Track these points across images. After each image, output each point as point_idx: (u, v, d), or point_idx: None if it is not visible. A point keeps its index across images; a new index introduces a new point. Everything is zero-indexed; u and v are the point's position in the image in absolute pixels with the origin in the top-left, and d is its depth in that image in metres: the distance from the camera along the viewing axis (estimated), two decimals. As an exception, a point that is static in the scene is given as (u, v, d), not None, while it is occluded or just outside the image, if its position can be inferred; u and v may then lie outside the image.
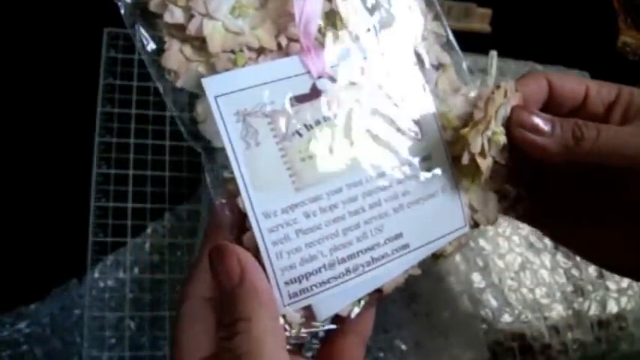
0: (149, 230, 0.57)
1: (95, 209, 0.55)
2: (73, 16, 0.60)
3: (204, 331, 0.30)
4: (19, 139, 0.57)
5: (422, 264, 0.34)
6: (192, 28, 0.30)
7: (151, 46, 0.30)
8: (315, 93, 0.31)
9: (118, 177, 0.57)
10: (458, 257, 0.60)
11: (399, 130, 0.33)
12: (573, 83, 0.37)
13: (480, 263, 0.60)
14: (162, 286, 0.55)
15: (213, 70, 0.30)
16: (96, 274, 0.54)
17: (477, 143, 0.32)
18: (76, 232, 0.54)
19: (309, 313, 0.31)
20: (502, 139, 0.33)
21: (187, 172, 0.59)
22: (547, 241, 0.63)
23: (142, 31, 0.30)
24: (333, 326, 0.32)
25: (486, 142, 0.32)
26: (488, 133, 0.33)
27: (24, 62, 0.59)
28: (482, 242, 0.61)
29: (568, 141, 0.33)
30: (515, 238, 0.62)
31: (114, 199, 0.56)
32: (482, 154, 0.32)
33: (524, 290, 0.60)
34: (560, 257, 0.63)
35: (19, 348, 0.51)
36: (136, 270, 0.55)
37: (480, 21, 0.71)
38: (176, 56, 0.30)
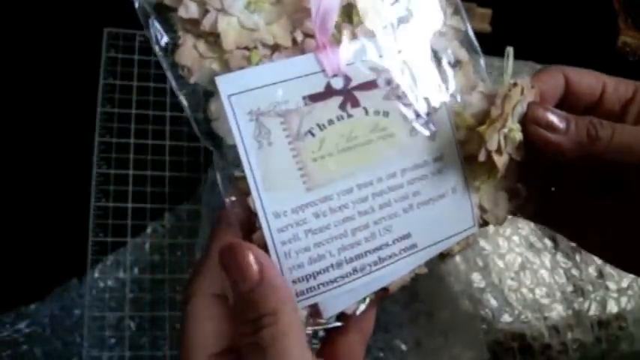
0: (149, 230, 0.56)
1: (95, 209, 0.55)
2: (73, 16, 0.60)
3: (214, 327, 0.29)
4: (19, 139, 0.56)
5: (428, 263, 0.34)
6: (206, 24, 0.29)
7: (165, 41, 0.30)
8: (329, 92, 0.31)
9: (118, 177, 0.56)
10: (458, 257, 0.60)
11: (412, 129, 0.33)
12: (591, 79, 0.36)
13: (480, 263, 0.60)
14: (163, 286, 0.55)
15: (226, 67, 0.29)
16: (96, 274, 0.54)
17: (493, 140, 0.32)
18: (76, 232, 0.54)
19: (314, 311, 0.31)
20: (518, 135, 0.33)
21: (187, 172, 0.59)
22: (547, 241, 0.63)
23: (157, 25, 0.30)
24: (338, 324, 0.32)
25: (502, 140, 0.32)
26: (505, 130, 0.32)
27: (24, 62, 0.58)
28: (482, 242, 0.61)
29: (582, 139, 0.33)
30: (515, 238, 0.62)
31: (114, 199, 0.56)
32: (499, 151, 0.32)
33: (524, 290, 0.60)
34: (560, 257, 0.63)
35: (19, 348, 0.50)
36: (136, 270, 0.55)
37: (480, 21, 0.71)
38: (190, 52, 0.29)
